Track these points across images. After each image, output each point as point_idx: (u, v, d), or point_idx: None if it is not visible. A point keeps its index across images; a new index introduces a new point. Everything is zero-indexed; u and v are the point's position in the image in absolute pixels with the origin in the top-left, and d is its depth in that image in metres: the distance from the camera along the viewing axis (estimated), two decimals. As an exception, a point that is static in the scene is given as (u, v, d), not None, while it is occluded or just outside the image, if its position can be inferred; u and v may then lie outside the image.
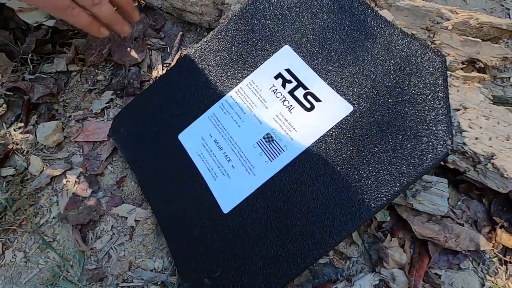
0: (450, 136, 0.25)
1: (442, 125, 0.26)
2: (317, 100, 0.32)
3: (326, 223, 0.27)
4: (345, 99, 0.31)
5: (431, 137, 0.26)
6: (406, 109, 0.28)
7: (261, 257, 0.28)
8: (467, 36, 0.34)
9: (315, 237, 0.27)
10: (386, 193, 0.26)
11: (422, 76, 0.29)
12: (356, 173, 0.28)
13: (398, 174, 0.26)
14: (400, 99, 0.29)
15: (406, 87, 0.29)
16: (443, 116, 0.26)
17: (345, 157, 0.29)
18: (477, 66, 0.34)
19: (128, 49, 0.48)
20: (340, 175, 0.28)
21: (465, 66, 0.34)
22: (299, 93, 0.33)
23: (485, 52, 0.33)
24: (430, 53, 0.29)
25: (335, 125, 0.30)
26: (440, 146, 0.26)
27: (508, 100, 0.34)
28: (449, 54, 0.34)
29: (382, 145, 0.28)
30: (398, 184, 0.26)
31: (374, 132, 0.29)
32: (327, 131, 0.30)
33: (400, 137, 0.27)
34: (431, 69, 0.29)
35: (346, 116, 0.30)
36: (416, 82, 0.29)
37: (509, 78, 0.35)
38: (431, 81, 0.28)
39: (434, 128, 0.26)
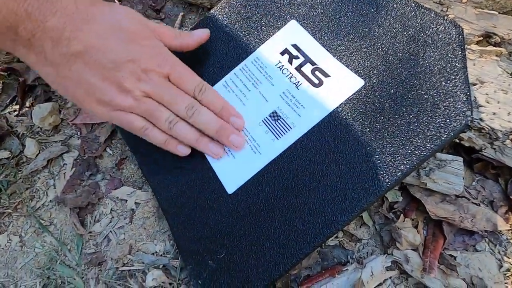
0: (470, 107, 0.24)
1: (461, 96, 0.25)
2: (326, 75, 0.30)
3: (338, 200, 0.26)
4: (356, 73, 0.29)
5: (449, 108, 0.25)
6: (421, 81, 0.27)
7: (268, 237, 0.27)
8: (483, 8, 0.32)
9: (326, 215, 0.26)
10: (401, 167, 0.25)
11: (438, 47, 0.27)
12: (368, 148, 0.26)
13: (414, 148, 0.25)
14: (414, 71, 0.27)
15: (421, 59, 0.27)
16: (462, 87, 0.25)
17: (357, 133, 0.27)
18: (493, 40, 0.32)
19: (127, 30, 0.46)
20: (352, 151, 0.27)
21: (480, 40, 0.33)
22: (307, 68, 0.31)
23: (502, 25, 0.32)
24: (446, 23, 0.27)
25: (345, 100, 0.29)
26: (459, 117, 0.24)
27: (524, 76, 0.33)
28: (464, 28, 0.32)
29: (396, 119, 0.26)
30: (414, 158, 0.24)
31: (387, 106, 0.27)
32: (337, 107, 0.29)
33: (415, 110, 0.26)
34: (447, 39, 0.27)
35: (357, 91, 0.29)
36: (431, 53, 0.27)
37: (526, 54, 0.34)
38: (448, 52, 0.27)
39: (452, 99, 0.25)
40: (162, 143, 0.30)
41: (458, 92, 0.25)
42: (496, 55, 0.31)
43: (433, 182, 0.29)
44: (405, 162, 0.25)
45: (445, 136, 0.24)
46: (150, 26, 0.29)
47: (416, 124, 0.25)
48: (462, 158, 0.30)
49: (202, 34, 0.33)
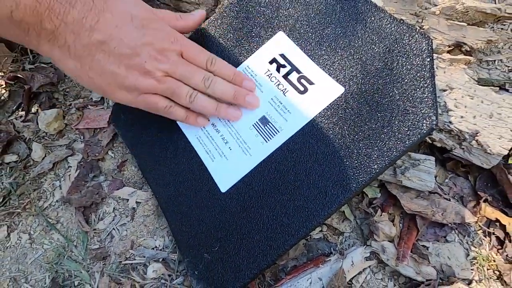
0: (435, 112, 0.27)
1: (428, 102, 0.28)
2: (310, 83, 0.33)
3: (319, 197, 0.28)
4: (337, 81, 0.32)
5: (417, 113, 0.28)
6: (395, 89, 0.30)
7: (258, 231, 0.30)
8: (454, 20, 0.35)
9: (308, 210, 0.28)
10: (375, 166, 0.27)
11: (410, 57, 0.30)
12: (347, 150, 0.29)
13: (386, 149, 0.28)
14: (388, 79, 0.30)
15: (394, 69, 0.30)
16: (429, 94, 0.28)
17: (337, 136, 0.30)
18: (464, 49, 0.35)
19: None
20: (332, 152, 0.30)
21: (452, 49, 0.35)
22: (293, 77, 0.34)
23: (471, 35, 0.35)
24: (417, 36, 0.30)
25: (327, 106, 0.32)
26: (425, 122, 0.27)
27: (493, 82, 0.36)
28: (436, 38, 0.35)
29: (371, 123, 0.29)
30: (386, 159, 0.27)
31: (364, 111, 0.30)
32: (320, 112, 0.32)
33: (388, 115, 0.29)
34: (418, 50, 0.30)
35: (338, 97, 0.32)
36: (404, 63, 0.30)
37: (494, 61, 0.37)
38: (418, 62, 0.29)
39: (420, 105, 0.28)
40: (183, 118, 0.32)
41: (426, 99, 0.28)
42: (465, 64, 0.34)
43: (407, 180, 0.32)
44: (378, 162, 0.28)
45: (413, 138, 0.27)
46: (154, 11, 0.31)
47: (389, 127, 0.28)
48: (434, 158, 0.33)
49: (200, 14, 0.35)
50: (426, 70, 0.29)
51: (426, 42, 0.30)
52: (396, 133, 0.28)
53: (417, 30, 0.31)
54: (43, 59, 0.49)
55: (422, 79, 0.29)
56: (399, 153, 0.27)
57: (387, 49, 0.31)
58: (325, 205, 0.28)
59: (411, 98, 0.28)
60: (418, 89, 0.28)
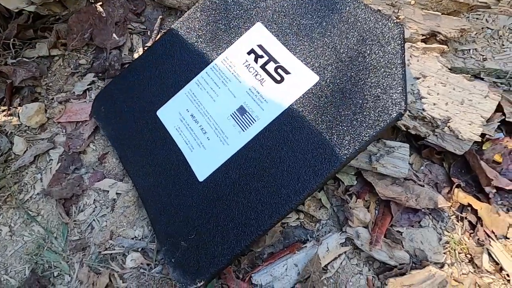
0: (404, 98, 0.27)
1: (397, 89, 0.28)
2: (287, 72, 0.34)
3: (292, 183, 0.29)
4: (312, 70, 0.33)
5: (387, 100, 0.28)
6: (367, 76, 0.30)
7: (233, 218, 0.30)
8: (428, 10, 0.36)
9: (281, 196, 0.29)
10: (346, 151, 0.28)
11: (382, 45, 0.30)
12: (320, 136, 0.30)
13: (357, 135, 0.28)
14: (361, 67, 0.31)
15: (367, 56, 0.31)
16: (399, 80, 0.28)
17: (311, 123, 0.30)
18: (438, 38, 0.36)
19: (110, 33, 0.49)
20: (306, 139, 0.30)
21: (428, 38, 0.36)
22: (270, 67, 0.34)
23: (445, 24, 0.35)
24: (389, 24, 0.31)
25: (302, 95, 0.32)
26: (395, 107, 0.27)
27: (468, 71, 0.36)
28: (411, 28, 0.36)
29: (343, 110, 0.30)
30: (357, 144, 0.28)
31: (337, 98, 0.30)
32: (295, 100, 0.32)
33: (360, 101, 0.29)
34: (390, 38, 0.30)
35: (313, 86, 0.32)
36: (376, 51, 0.31)
37: (469, 50, 0.37)
38: (389, 49, 0.30)
39: (390, 91, 0.28)
40: None
41: (396, 85, 0.28)
42: (439, 52, 0.34)
43: (382, 167, 0.32)
44: (349, 147, 0.28)
45: (382, 123, 0.27)
46: None
47: (360, 114, 0.29)
48: (408, 145, 0.33)
49: None
50: (397, 57, 0.29)
51: (398, 29, 0.30)
52: (367, 119, 0.28)
53: (389, 19, 0.31)
54: (26, 53, 0.49)
55: (393, 66, 0.29)
56: (369, 139, 0.28)
57: (361, 38, 0.32)
58: (297, 190, 0.28)
59: (382, 85, 0.29)
60: (389, 76, 0.29)
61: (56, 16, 0.51)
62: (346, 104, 0.30)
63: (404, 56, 0.29)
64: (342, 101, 0.30)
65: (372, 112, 0.28)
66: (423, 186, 0.33)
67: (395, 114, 0.27)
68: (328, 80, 0.32)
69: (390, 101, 0.28)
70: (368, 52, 0.31)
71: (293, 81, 0.33)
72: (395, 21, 0.31)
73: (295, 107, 0.32)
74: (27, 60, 0.48)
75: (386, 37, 0.31)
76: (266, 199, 0.29)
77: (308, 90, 0.32)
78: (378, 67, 0.30)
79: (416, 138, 0.35)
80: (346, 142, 0.28)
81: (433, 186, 0.34)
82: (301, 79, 0.33)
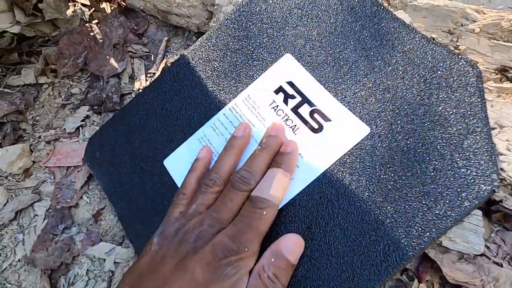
0: (496, 169, 0.21)
1: (483, 154, 0.21)
2: (326, 119, 0.27)
3: (344, 277, 0.22)
4: (360, 118, 0.26)
5: (471, 169, 0.21)
6: (436, 132, 0.23)
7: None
8: (498, 40, 0.29)
9: None
10: (418, 239, 0.21)
11: (454, 90, 0.24)
12: (378, 212, 0.23)
13: (432, 216, 0.21)
14: (427, 119, 0.24)
15: (434, 105, 0.24)
16: (484, 142, 0.22)
17: (364, 192, 0.24)
18: (510, 75, 0.29)
19: (107, 57, 0.42)
20: (359, 214, 0.23)
21: (496, 76, 0.29)
22: (304, 110, 0.28)
23: (520, 58, 0.29)
24: (461, 63, 0.24)
25: (349, 151, 0.25)
26: (484, 182, 0.21)
27: (543, 113, 0.30)
28: (476, 62, 0.29)
29: (408, 178, 0.23)
30: (433, 229, 0.21)
31: (397, 160, 0.24)
32: (340, 158, 0.25)
33: (431, 168, 0.23)
34: (463, 82, 0.24)
35: (363, 140, 0.25)
36: (446, 98, 0.24)
37: (544, 87, 0.31)
38: (465, 98, 0.23)
39: (474, 158, 0.22)
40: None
41: (480, 149, 0.22)
42: (516, 94, 0.28)
43: (449, 241, 0.26)
44: (422, 233, 0.21)
45: (467, 203, 0.21)
46: None
47: (433, 186, 0.22)
48: (481, 212, 0.26)
49: None
50: (478, 109, 0.23)
51: (474, 71, 0.24)
52: (444, 195, 0.22)
53: (460, 56, 0.25)
54: (9, 81, 0.42)
55: (473, 120, 0.22)
56: (451, 223, 0.21)
57: (422, 79, 0.25)
58: None
59: (460, 147, 0.22)
60: (469, 135, 0.22)
61: (45, 37, 0.44)
62: (411, 170, 0.23)
63: (486, 108, 0.23)
64: (406, 165, 0.23)
65: (451, 184, 0.22)
66: (501, 265, 0.26)
67: (486, 192, 0.20)
68: (382, 134, 0.25)
69: (474, 172, 0.21)
70: (434, 99, 0.24)
71: (335, 131, 0.26)
72: (469, 59, 0.24)
73: (340, 167, 0.25)
74: (10, 90, 0.41)
75: (458, 80, 0.24)
76: None
77: (357, 144, 0.25)
78: (452, 122, 0.23)
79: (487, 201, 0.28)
80: (418, 225, 0.21)
81: (509, 262, 0.27)
82: (347, 129, 0.26)
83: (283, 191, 0.24)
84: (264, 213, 0.23)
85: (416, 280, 0.26)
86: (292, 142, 0.26)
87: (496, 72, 0.29)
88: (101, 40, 0.43)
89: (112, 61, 0.42)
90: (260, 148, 0.26)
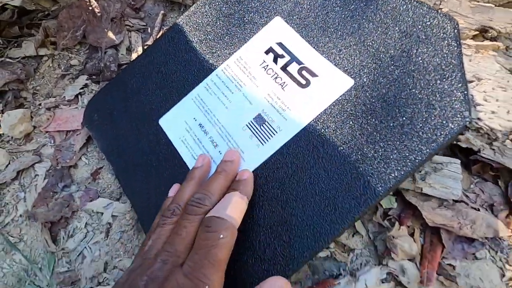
0: (468, 107, 0.22)
1: (458, 95, 0.23)
2: (313, 75, 0.28)
3: (327, 211, 0.23)
4: (345, 72, 0.27)
5: (446, 108, 0.23)
6: (415, 79, 0.25)
7: (253, 252, 0.25)
8: (478, 1, 0.31)
9: (314, 227, 0.23)
10: (395, 173, 0.23)
11: (432, 42, 0.25)
12: (359, 153, 0.24)
13: (408, 152, 0.23)
14: (407, 69, 0.25)
15: (413, 56, 0.25)
16: (459, 85, 0.23)
17: (347, 136, 0.25)
18: (489, 35, 0.31)
19: (105, 30, 0.44)
20: (342, 157, 0.25)
21: (475, 35, 0.31)
22: (293, 68, 0.29)
23: (499, 18, 0.30)
24: (440, 17, 0.26)
25: (334, 102, 0.27)
26: (457, 118, 0.22)
27: (522, 72, 0.31)
28: (458, 22, 0.31)
29: (388, 121, 0.24)
30: (409, 163, 0.22)
31: (378, 107, 0.25)
32: (326, 109, 0.27)
33: (409, 110, 0.24)
34: (442, 34, 0.25)
35: (347, 91, 0.27)
36: (425, 49, 0.25)
37: (524, 48, 0.32)
38: (443, 48, 0.25)
39: (448, 99, 0.23)
40: None
41: (455, 91, 0.23)
42: (493, 50, 0.29)
43: (429, 187, 0.27)
44: (399, 167, 0.23)
45: (441, 138, 0.22)
46: None
47: (410, 126, 0.23)
48: (459, 160, 0.28)
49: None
50: (454, 57, 0.24)
51: (451, 24, 0.25)
52: (420, 133, 0.23)
53: (438, 11, 0.26)
54: (11, 53, 0.44)
55: (448, 67, 0.24)
56: (425, 157, 0.22)
57: (404, 34, 0.27)
58: (334, 221, 0.23)
59: (436, 91, 0.24)
60: (444, 80, 0.24)
61: (45, 11, 0.45)
62: (391, 114, 0.24)
63: (462, 56, 0.24)
64: (386, 110, 0.25)
65: (426, 124, 0.23)
66: (478, 210, 0.28)
67: (457, 127, 0.22)
68: (366, 84, 0.26)
69: (449, 110, 0.23)
70: (415, 51, 0.26)
71: (321, 85, 0.28)
72: (446, 14, 0.26)
73: (325, 116, 0.27)
74: (11, 60, 0.42)
75: (437, 33, 0.25)
76: (295, 230, 0.24)
77: (341, 96, 0.27)
78: (430, 70, 0.24)
79: (465, 151, 0.29)
80: (395, 161, 0.23)
81: (487, 209, 0.29)
82: (332, 82, 0.27)
83: (240, 213, 0.23)
84: (221, 236, 0.20)
85: (397, 224, 0.27)
86: (247, 170, 0.26)
87: (477, 31, 0.31)
88: (99, 14, 0.44)
89: (110, 33, 0.44)
90: (216, 173, 0.25)
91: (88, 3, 0.45)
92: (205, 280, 0.19)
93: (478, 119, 0.27)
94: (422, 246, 0.27)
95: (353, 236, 0.29)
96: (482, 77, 0.28)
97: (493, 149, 0.27)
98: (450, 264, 0.27)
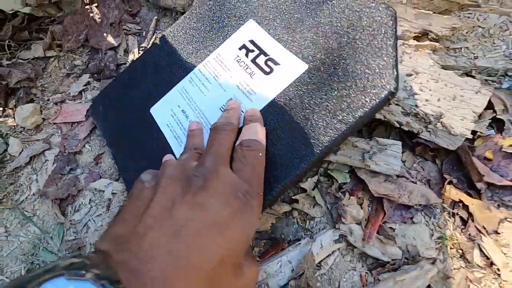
0: (394, 77, 0.26)
1: (387, 67, 0.27)
2: (276, 63, 0.34)
3: (280, 168, 0.29)
4: (301, 59, 0.33)
5: (376, 79, 0.27)
6: (357, 59, 0.29)
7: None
8: (420, 9, 0.36)
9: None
10: (332, 133, 0.27)
11: (374, 28, 0.30)
12: (306, 121, 0.29)
13: (344, 116, 0.28)
14: (351, 52, 0.30)
15: (357, 40, 0.30)
16: (389, 59, 0.27)
17: (299, 109, 0.30)
18: (430, 37, 0.36)
19: (105, 34, 0.49)
20: (293, 126, 0.30)
21: (420, 36, 0.36)
22: (261, 60, 0.35)
23: (437, 23, 0.35)
24: (380, 8, 0.30)
25: (291, 83, 0.32)
26: (385, 86, 0.27)
27: (460, 69, 0.37)
28: (403, 26, 0.36)
29: (329, 93, 0.29)
30: (343, 125, 0.27)
31: (326, 84, 0.30)
32: (284, 89, 0.32)
33: (349, 84, 0.29)
34: (381, 21, 0.30)
35: (301, 74, 0.32)
36: (366, 34, 0.30)
37: (461, 48, 0.38)
38: (381, 32, 0.29)
39: (380, 71, 0.28)
40: None
41: (386, 64, 0.27)
42: (431, 49, 0.35)
43: (375, 164, 0.33)
44: (336, 128, 0.28)
45: (372, 103, 0.27)
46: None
47: (348, 97, 0.28)
48: (400, 142, 0.33)
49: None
50: (388, 38, 0.29)
51: (389, 12, 0.30)
52: (356, 100, 0.28)
53: (380, 3, 0.31)
54: (21, 55, 0.49)
55: (384, 46, 0.28)
56: (357, 120, 0.27)
57: (351, 24, 0.31)
58: (279, 178, 0.28)
59: (372, 67, 0.28)
60: (379, 57, 0.28)
61: (51, 17, 0.51)
62: (333, 87, 0.29)
63: (396, 37, 0.29)
64: (331, 86, 0.30)
65: (362, 93, 0.28)
66: (416, 183, 0.33)
67: (385, 93, 0.27)
68: (317, 68, 0.31)
69: (379, 80, 0.27)
70: (359, 36, 0.30)
71: (282, 71, 0.33)
72: (386, 5, 0.30)
73: (282, 96, 0.32)
74: (22, 61, 0.48)
75: (377, 20, 0.30)
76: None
77: (297, 78, 0.32)
78: (369, 50, 0.29)
79: (410, 135, 0.35)
80: (332, 124, 0.28)
81: (425, 183, 0.34)
82: (290, 68, 0.33)
83: (264, 139, 0.28)
84: (260, 154, 0.25)
85: (347, 194, 0.33)
86: (254, 109, 0.32)
87: (420, 34, 0.36)
88: (99, 20, 0.50)
89: (109, 37, 0.49)
90: (225, 111, 0.31)
91: (90, 10, 0.50)
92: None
93: (416, 106, 0.33)
94: (369, 214, 0.33)
95: (314, 206, 0.34)
96: (419, 71, 0.33)
97: (429, 131, 0.33)
98: (391, 227, 0.32)
